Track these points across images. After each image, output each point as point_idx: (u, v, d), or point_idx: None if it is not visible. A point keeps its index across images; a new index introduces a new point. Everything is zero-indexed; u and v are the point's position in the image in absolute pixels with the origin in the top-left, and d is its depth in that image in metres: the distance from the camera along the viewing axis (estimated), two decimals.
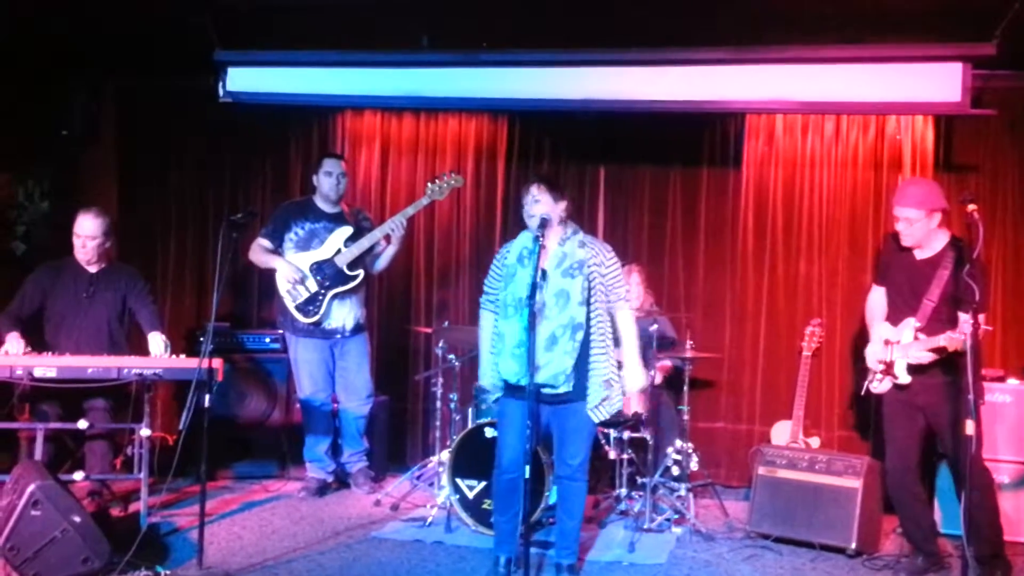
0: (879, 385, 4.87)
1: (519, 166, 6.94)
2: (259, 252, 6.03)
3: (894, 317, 4.85)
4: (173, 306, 7.16)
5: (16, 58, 6.49)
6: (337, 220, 6.03)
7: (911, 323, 4.72)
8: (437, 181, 5.95)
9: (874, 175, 6.44)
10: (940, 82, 5.57)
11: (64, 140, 7.19)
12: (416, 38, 6.06)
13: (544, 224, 4.42)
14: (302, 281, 5.90)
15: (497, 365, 4.51)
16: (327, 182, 6.00)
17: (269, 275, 7.09)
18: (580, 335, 4.38)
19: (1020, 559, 4.99)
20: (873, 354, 4.89)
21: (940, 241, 4.75)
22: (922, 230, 4.71)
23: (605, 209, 6.87)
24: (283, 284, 5.96)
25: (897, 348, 4.75)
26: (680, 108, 5.99)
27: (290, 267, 5.89)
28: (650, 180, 6.82)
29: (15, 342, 5.26)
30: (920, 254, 4.79)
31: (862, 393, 5.00)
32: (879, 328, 4.93)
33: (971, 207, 4.46)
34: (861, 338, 6.37)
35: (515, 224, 6.70)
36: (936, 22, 5.32)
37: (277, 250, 6.00)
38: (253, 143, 7.24)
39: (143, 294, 5.69)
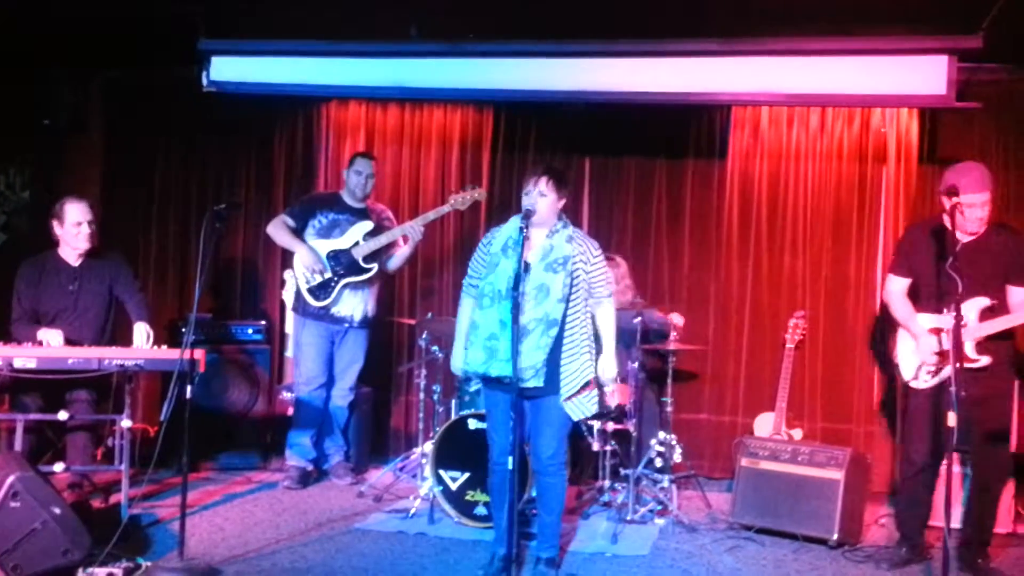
0: (930, 379, 4.71)
1: (504, 157, 6.93)
2: (281, 228, 6.13)
3: (936, 304, 4.69)
4: (155, 297, 7.08)
5: (1, 49, 6.42)
6: (360, 215, 6.13)
7: (980, 302, 4.58)
8: (461, 193, 6.04)
9: (859, 167, 6.44)
10: (925, 75, 5.57)
11: (47, 130, 7.14)
12: (404, 28, 6.03)
13: (529, 215, 4.37)
14: (320, 270, 5.99)
15: (467, 354, 4.48)
16: (355, 180, 6.12)
17: (252, 267, 7.14)
18: (554, 331, 4.32)
19: (1016, 550, 5.10)
20: (928, 347, 4.69)
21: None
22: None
23: (589, 200, 6.87)
24: (299, 266, 6.06)
25: (965, 331, 4.51)
26: (665, 100, 5.99)
27: (310, 255, 6.00)
28: (635, 172, 6.82)
29: (53, 334, 5.25)
30: (965, 237, 4.65)
31: (920, 386, 4.77)
32: (919, 320, 4.76)
33: (955, 199, 4.48)
34: (845, 331, 6.42)
35: (500, 215, 6.70)
36: (922, 15, 5.32)
37: (299, 232, 6.10)
38: (237, 134, 7.19)
39: (130, 282, 5.67)
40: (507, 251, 4.44)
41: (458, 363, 4.63)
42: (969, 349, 4.59)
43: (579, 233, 4.54)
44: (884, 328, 6.25)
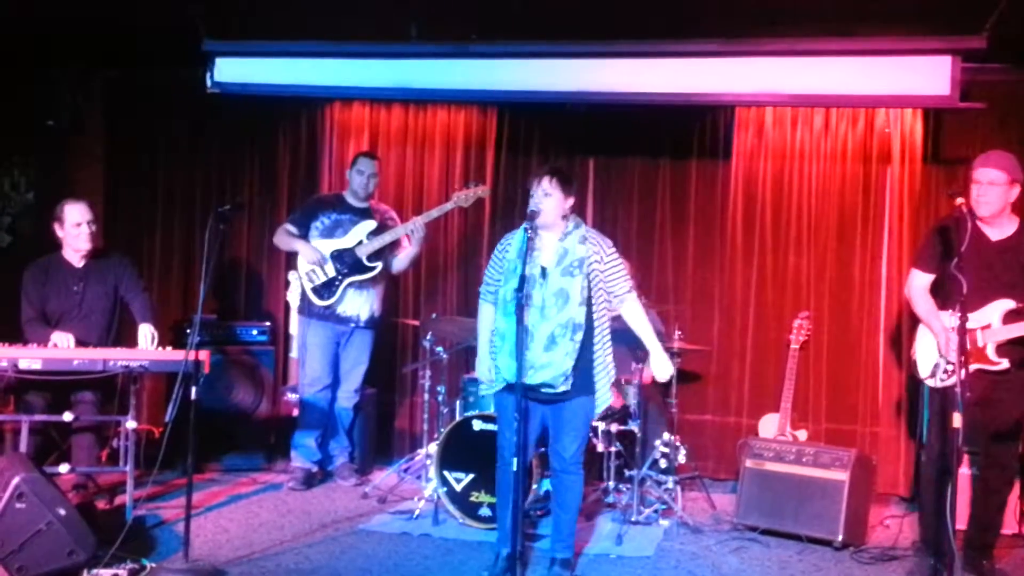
0: (947, 379, 4.60)
1: (508, 158, 6.93)
2: (284, 236, 6.18)
3: (953, 303, 4.54)
4: (160, 298, 7.07)
5: (1, 50, 6.43)
6: (363, 214, 6.13)
7: (1005, 305, 4.52)
8: (464, 190, 6.03)
9: (863, 168, 6.43)
10: (929, 75, 5.55)
11: (50, 131, 7.14)
12: (405, 29, 6.03)
13: (533, 216, 4.36)
14: (321, 264, 6.00)
15: (496, 362, 4.46)
16: (358, 179, 6.12)
17: (257, 268, 7.14)
18: (580, 336, 4.33)
19: (1022, 552, 5.09)
20: (952, 345, 4.52)
21: (1013, 222, 4.60)
22: (1000, 198, 4.51)
23: (594, 201, 6.85)
24: (303, 266, 6.08)
25: (987, 332, 4.54)
26: (670, 100, 5.96)
27: (312, 250, 6.02)
28: (639, 172, 6.80)
29: (62, 336, 5.27)
30: (995, 235, 4.58)
31: (935, 385, 4.71)
32: (941, 320, 4.66)
33: (959, 200, 4.45)
34: (850, 331, 6.41)
35: (504, 215, 6.73)
36: (925, 15, 5.31)
37: (302, 237, 6.11)
38: (241, 135, 7.20)
39: (135, 282, 5.68)
40: (523, 256, 4.43)
41: (483, 371, 4.60)
42: (991, 351, 4.57)
43: (592, 232, 4.53)
44: (899, 326, 6.21)
